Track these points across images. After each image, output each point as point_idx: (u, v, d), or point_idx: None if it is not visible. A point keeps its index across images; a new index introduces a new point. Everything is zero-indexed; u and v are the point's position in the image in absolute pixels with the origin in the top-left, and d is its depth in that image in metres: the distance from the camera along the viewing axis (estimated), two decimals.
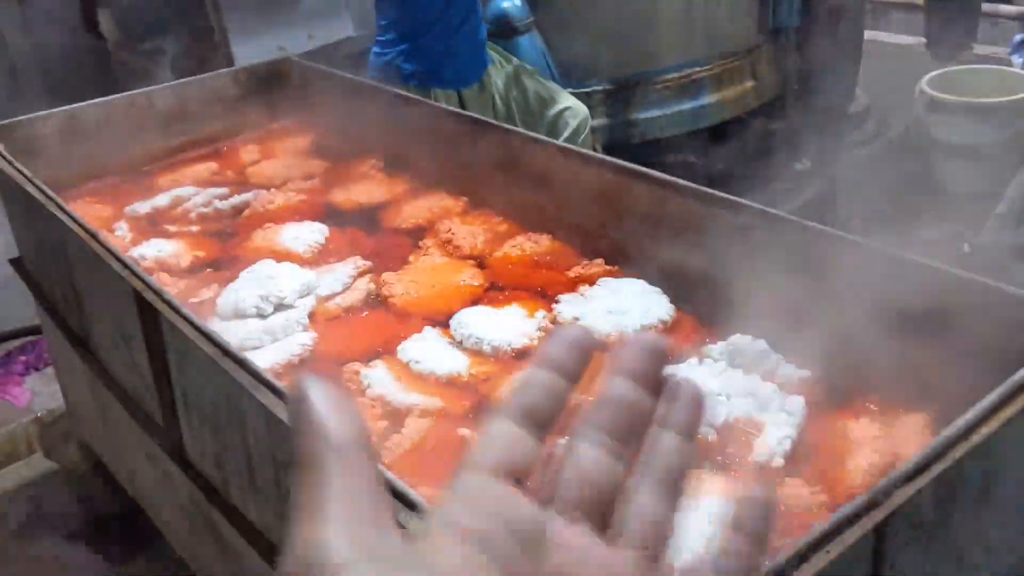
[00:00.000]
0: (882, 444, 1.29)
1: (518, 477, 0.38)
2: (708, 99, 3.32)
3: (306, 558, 0.35)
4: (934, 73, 4.03)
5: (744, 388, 1.42)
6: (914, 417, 1.34)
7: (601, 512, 0.39)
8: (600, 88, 3.23)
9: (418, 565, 0.35)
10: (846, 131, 3.88)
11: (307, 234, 2.10)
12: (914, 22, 4.75)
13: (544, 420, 0.41)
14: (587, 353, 0.43)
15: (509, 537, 0.36)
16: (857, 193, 3.97)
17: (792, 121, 3.65)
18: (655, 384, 0.43)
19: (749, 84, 3.40)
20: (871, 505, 0.95)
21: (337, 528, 0.35)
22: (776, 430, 1.32)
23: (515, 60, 2.98)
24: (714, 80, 3.30)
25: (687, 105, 3.29)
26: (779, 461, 1.29)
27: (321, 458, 0.36)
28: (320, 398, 0.37)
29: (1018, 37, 4.30)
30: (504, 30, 3.09)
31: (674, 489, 0.40)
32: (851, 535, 0.92)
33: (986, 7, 4.61)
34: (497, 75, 2.97)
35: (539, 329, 1.69)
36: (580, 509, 0.39)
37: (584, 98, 3.23)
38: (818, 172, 3.68)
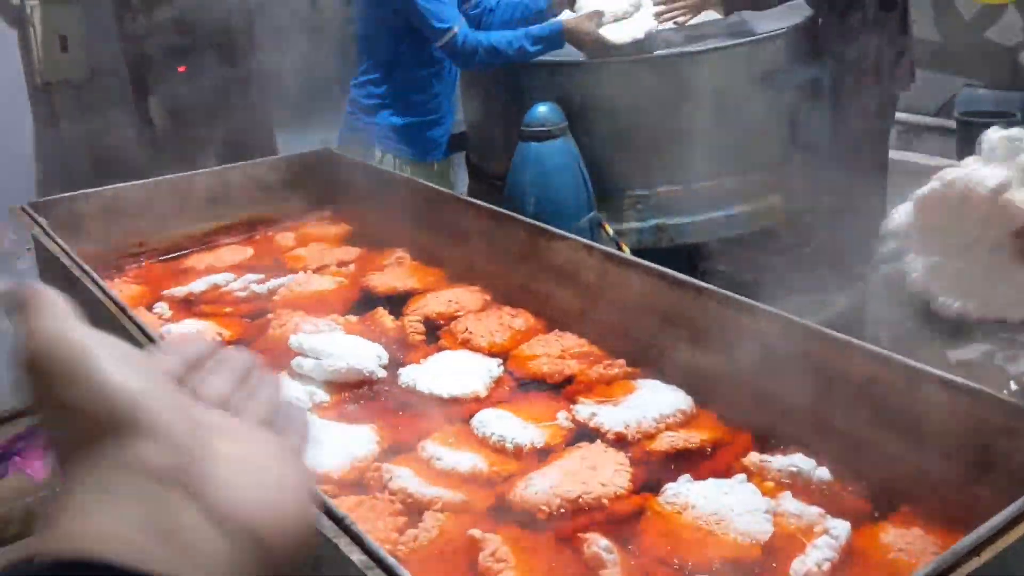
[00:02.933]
0: (922, 562, 1.26)
1: None
2: (737, 209, 3.35)
3: (49, 346, 0.47)
4: None
5: (791, 509, 1.40)
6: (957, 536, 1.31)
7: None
8: (631, 193, 3.29)
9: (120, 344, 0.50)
10: (876, 248, 3.88)
11: (325, 328, 2.11)
12: (947, 144, 4.81)
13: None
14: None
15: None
16: (885, 309, 3.94)
17: (821, 235, 3.66)
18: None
19: (778, 197, 3.44)
20: None
21: (70, 323, 0.48)
22: (817, 552, 1.30)
23: None
24: (743, 192, 3.35)
25: (716, 214, 3.33)
26: None
27: (43, 301, 0.48)
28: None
29: None
30: (539, 133, 3.17)
31: (274, 403, 0.59)
32: None
33: None
34: None
35: (560, 427, 1.69)
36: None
37: (615, 202, 3.28)
38: (846, 287, 3.67)
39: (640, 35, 3.31)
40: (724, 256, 3.56)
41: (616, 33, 3.29)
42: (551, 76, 3.33)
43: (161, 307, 2.30)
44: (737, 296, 1.69)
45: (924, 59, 4.46)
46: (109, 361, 0.46)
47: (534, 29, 3.30)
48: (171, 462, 0.46)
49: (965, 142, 4.58)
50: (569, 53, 3.38)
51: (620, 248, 3.11)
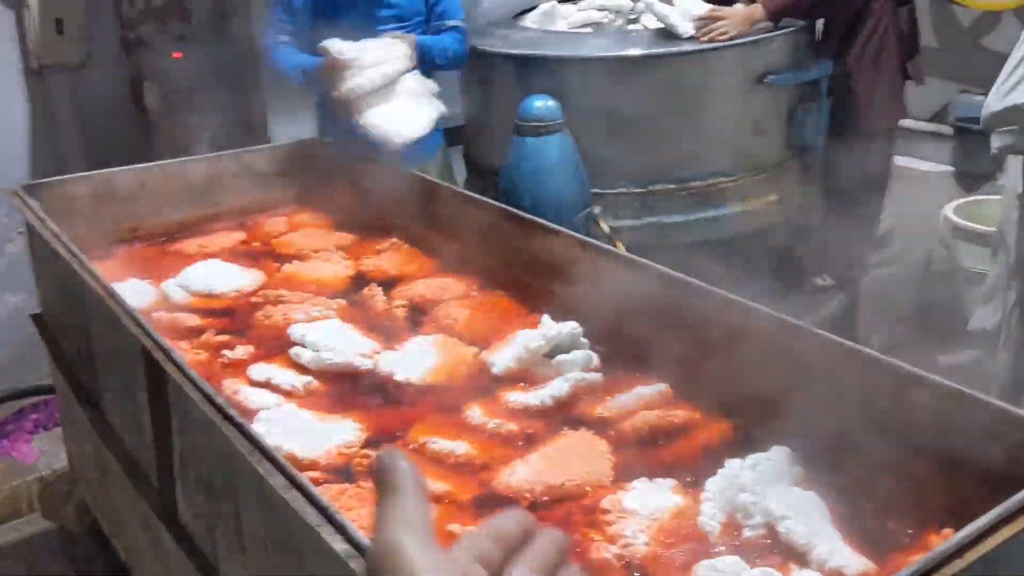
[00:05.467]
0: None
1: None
2: (732, 209, 3.35)
3: (387, 554, 0.52)
4: (959, 201, 4.05)
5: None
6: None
7: None
8: (627, 190, 3.29)
9: None
10: (870, 252, 3.88)
11: (316, 315, 2.11)
12: (942, 151, 4.80)
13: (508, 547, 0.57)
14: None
15: None
16: (877, 314, 3.94)
17: (815, 237, 3.66)
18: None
19: (774, 198, 3.43)
20: None
21: (412, 538, 0.52)
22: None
23: None
24: (739, 191, 3.34)
25: (711, 213, 3.34)
26: None
27: (401, 486, 0.54)
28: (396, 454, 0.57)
29: None
30: (535, 128, 3.15)
31: None
32: None
33: None
34: None
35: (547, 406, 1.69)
36: None
37: (611, 199, 3.27)
38: (839, 289, 3.67)
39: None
40: (718, 255, 3.56)
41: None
42: (549, 71, 3.32)
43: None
44: (729, 295, 1.69)
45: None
46: None
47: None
48: None
49: (961, 148, 4.58)
50: (566, 48, 3.38)
51: (615, 245, 3.10)
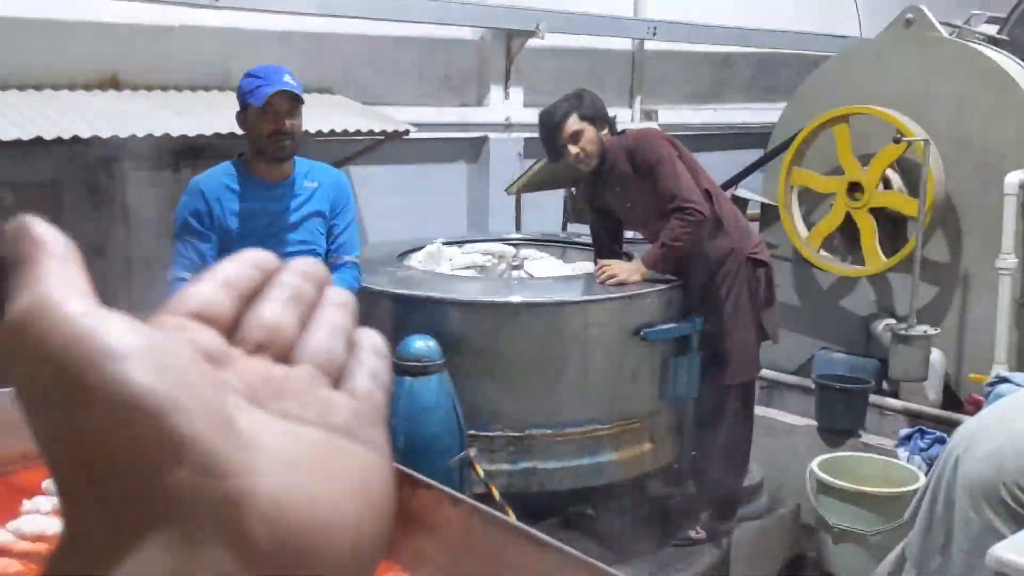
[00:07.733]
0: None
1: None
2: (606, 457, 3.37)
3: (37, 313, 0.30)
4: (824, 456, 4.06)
5: None
6: None
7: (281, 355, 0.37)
8: (503, 434, 3.27)
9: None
10: (740, 503, 3.89)
11: None
12: (808, 403, 4.86)
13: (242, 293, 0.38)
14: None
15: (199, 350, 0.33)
16: (750, 567, 3.93)
17: (688, 487, 3.72)
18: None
19: (647, 447, 3.50)
20: None
21: (61, 285, 0.31)
22: None
23: None
24: (613, 439, 3.38)
25: (586, 460, 3.34)
26: None
27: (40, 251, 0.32)
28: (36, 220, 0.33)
29: (904, 431, 4.43)
30: (413, 368, 3.07)
31: (345, 334, 0.40)
32: None
33: (873, 399, 4.75)
34: None
35: None
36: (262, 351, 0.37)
37: (487, 442, 3.25)
38: (712, 542, 3.68)
39: None
40: (593, 503, 3.51)
41: None
42: (430, 311, 3.33)
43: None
44: (594, 562, 1.29)
45: (785, 322, 4.52)
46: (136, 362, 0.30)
47: None
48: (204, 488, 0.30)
49: (821, 403, 4.67)
50: (447, 289, 3.49)
51: (490, 490, 3.06)
